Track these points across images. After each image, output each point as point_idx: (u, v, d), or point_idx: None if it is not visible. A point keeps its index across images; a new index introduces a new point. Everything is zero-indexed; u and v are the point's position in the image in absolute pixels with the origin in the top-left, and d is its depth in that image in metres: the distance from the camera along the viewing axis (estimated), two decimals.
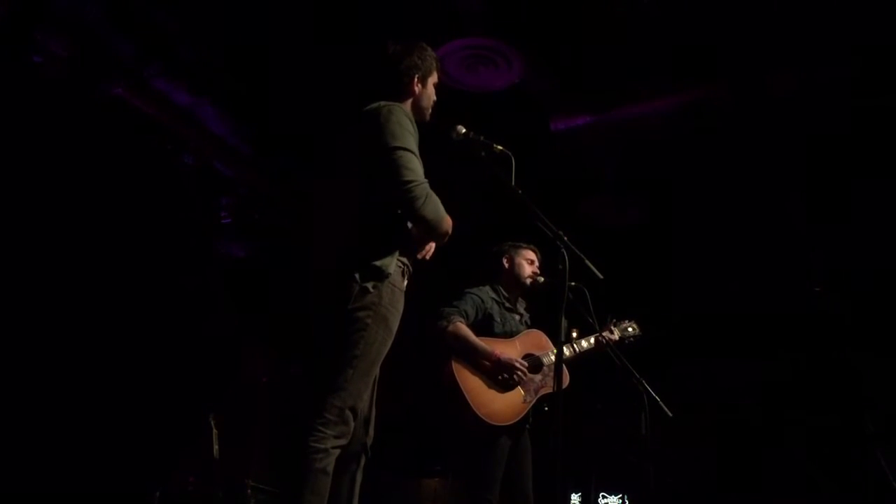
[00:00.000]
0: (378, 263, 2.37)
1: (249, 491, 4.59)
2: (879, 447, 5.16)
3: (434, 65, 2.75)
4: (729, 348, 6.32)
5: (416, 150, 2.46)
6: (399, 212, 2.44)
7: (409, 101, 2.65)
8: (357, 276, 2.33)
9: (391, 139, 2.41)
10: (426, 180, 2.43)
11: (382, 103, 2.52)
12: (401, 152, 2.40)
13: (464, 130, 2.70)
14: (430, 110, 2.76)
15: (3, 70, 4.26)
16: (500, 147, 2.68)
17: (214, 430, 4.62)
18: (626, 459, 5.80)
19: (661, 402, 3.25)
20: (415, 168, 2.41)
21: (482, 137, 2.70)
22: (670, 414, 3.24)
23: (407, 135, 2.45)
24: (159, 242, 5.18)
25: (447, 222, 2.49)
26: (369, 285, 2.34)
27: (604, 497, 6.15)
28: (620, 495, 6.11)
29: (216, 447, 4.58)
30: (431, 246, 2.62)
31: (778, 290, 6.14)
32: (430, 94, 2.74)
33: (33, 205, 4.39)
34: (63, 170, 4.58)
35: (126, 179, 4.97)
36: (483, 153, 2.68)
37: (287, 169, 5.81)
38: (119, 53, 4.64)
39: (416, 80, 2.68)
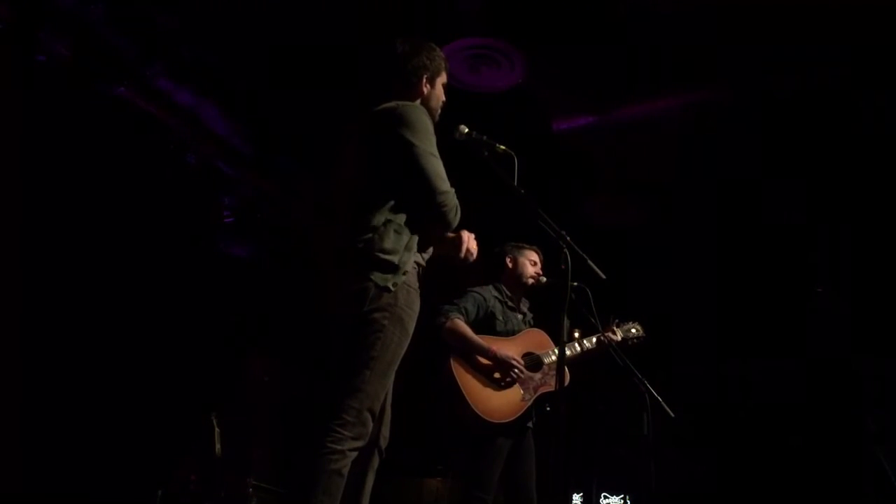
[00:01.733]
0: (396, 261, 2.36)
1: (251, 490, 4.59)
2: (881, 447, 5.16)
3: (443, 65, 2.73)
4: (730, 348, 6.33)
5: (436, 150, 2.48)
6: (417, 213, 2.46)
7: (417, 102, 2.62)
8: (373, 276, 2.33)
9: (419, 142, 2.42)
10: (453, 189, 2.47)
11: (399, 103, 2.52)
12: (430, 158, 2.43)
13: (466, 130, 2.70)
14: (438, 111, 2.74)
15: (8, 70, 4.26)
16: (502, 147, 2.68)
17: (216, 429, 4.62)
18: (627, 460, 5.81)
19: (663, 403, 3.25)
20: (444, 177, 2.45)
21: (485, 137, 2.69)
22: (672, 414, 3.24)
23: (432, 138, 2.47)
24: (161, 242, 5.19)
25: None
26: (389, 284, 2.33)
27: (605, 497, 6.15)
28: (622, 496, 6.11)
29: (218, 446, 4.59)
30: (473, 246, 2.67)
31: (778, 289, 6.14)
32: (438, 95, 2.73)
33: (35, 205, 4.40)
34: (66, 169, 4.59)
35: (128, 179, 4.97)
36: (486, 153, 2.68)
37: (289, 169, 5.82)
38: (122, 53, 4.65)
39: (424, 80, 2.66)
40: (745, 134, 5.29)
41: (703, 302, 6.42)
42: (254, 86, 5.15)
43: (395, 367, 2.40)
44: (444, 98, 2.76)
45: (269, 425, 5.09)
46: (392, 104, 2.51)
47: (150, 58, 4.74)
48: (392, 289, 2.33)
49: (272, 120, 5.43)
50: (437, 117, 2.73)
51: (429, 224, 2.50)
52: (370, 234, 2.36)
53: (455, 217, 2.47)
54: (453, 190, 2.47)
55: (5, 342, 4.10)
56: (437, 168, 2.44)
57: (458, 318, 3.48)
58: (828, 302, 5.78)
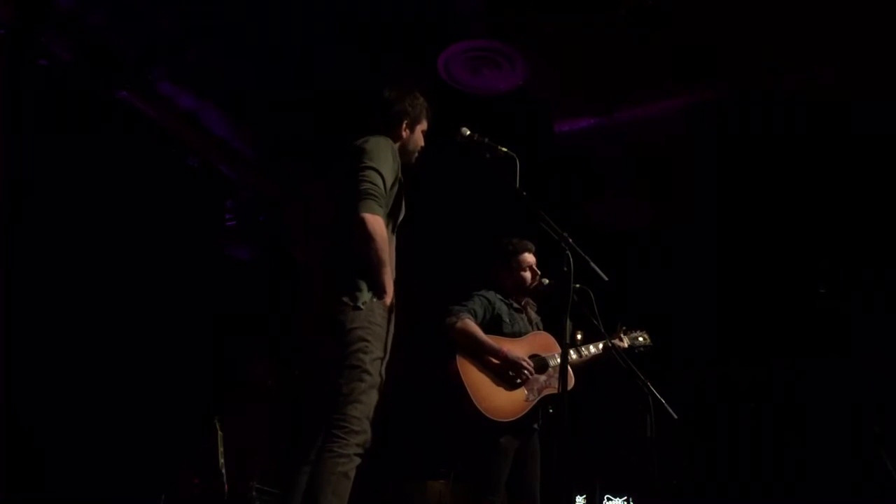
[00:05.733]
0: (368, 284, 2.53)
1: (254, 493, 4.59)
2: (884, 448, 5.16)
3: (424, 113, 2.94)
4: (733, 349, 6.31)
5: (388, 176, 2.60)
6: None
7: (398, 145, 2.81)
8: (348, 299, 2.50)
9: (368, 160, 2.59)
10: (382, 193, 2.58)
11: (369, 138, 2.69)
12: (371, 170, 2.56)
13: (468, 132, 2.71)
14: (415, 154, 2.94)
15: (10, 73, 4.27)
16: (504, 149, 2.69)
17: (220, 433, 4.62)
18: (631, 461, 5.80)
19: (665, 404, 3.25)
20: (379, 185, 2.57)
21: (486, 139, 2.71)
22: (675, 416, 3.24)
23: (386, 163, 2.61)
24: (164, 245, 5.19)
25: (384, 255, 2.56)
26: (360, 303, 2.50)
27: (609, 499, 6.14)
28: (625, 497, 6.10)
29: (221, 450, 4.59)
30: None
31: (781, 289, 6.13)
32: (416, 140, 2.93)
33: (37, 207, 4.41)
34: (68, 172, 4.59)
35: (130, 182, 4.98)
36: (487, 155, 2.69)
37: (290, 172, 5.82)
38: (124, 57, 4.66)
39: (404, 125, 2.87)
40: (745, 134, 5.28)
41: (705, 302, 6.41)
42: (255, 89, 5.15)
43: (378, 379, 2.54)
44: (422, 143, 2.96)
45: (272, 429, 5.08)
46: (363, 139, 2.69)
47: (152, 61, 4.75)
48: (363, 307, 2.50)
49: (273, 123, 5.44)
50: (413, 160, 2.93)
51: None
52: (345, 259, 2.53)
53: (372, 204, 2.51)
54: (383, 190, 2.56)
55: (9, 345, 4.10)
56: (373, 175, 2.55)
57: (469, 318, 3.49)
58: (829, 302, 5.77)
